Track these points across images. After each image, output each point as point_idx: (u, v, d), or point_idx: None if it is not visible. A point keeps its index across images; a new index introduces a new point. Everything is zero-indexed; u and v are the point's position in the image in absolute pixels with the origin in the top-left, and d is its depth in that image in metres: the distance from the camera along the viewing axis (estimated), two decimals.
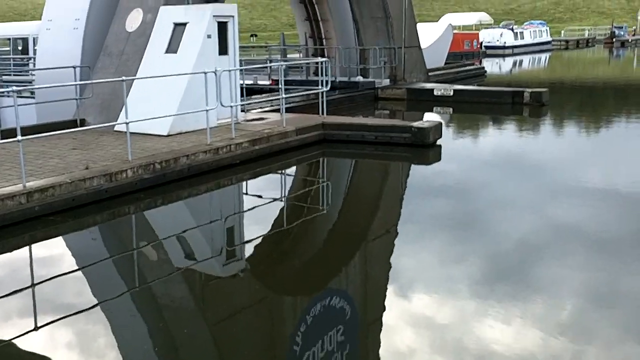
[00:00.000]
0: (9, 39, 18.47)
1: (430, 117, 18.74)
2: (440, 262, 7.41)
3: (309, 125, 13.82)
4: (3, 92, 14.28)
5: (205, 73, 11.48)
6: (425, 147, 13.37)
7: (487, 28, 60.27)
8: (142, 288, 7.06)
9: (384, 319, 6.01)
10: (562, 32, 74.87)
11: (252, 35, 69.82)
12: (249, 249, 8.35)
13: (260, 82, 23.36)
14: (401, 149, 13.45)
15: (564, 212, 9.22)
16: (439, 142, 13.81)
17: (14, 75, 17.68)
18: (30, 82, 15.80)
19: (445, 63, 31.78)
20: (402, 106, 21.19)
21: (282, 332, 5.98)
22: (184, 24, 13.13)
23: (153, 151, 11.04)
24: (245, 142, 12.14)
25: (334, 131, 14.00)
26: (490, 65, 44.34)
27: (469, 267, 7.17)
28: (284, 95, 13.91)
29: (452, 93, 20.81)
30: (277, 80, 22.99)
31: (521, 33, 58.21)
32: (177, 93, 12.48)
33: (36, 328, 5.95)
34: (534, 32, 60.39)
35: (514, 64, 47.03)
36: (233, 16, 13.67)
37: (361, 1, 22.24)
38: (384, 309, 6.26)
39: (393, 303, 6.38)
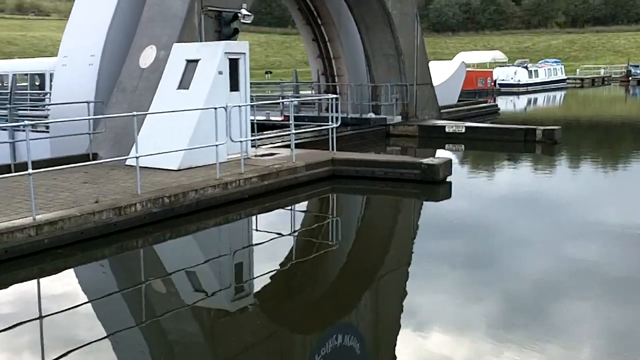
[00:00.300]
0: (27, 75, 18.84)
1: (442, 154, 18.74)
2: (454, 302, 7.29)
3: (319, 161, 13.88)
4: (18, 126, 14.59)
5: (215, 108, 11.62)
6: (435, 184, 13.35)
7: (502, 66, 60.59)
8: (150, 323, 7.04)
9: (397, 356, 5.93)
10: (577, 70, 74.97)
11: (267, 72, 70.67)
12: (258, 285, 8.33)
13: (272, 118, 23.58)
14: (411, 186, 13.45)
15: (576, 251, 9.16)
16: (449, 178, 13.81)
17: (30, 110, 17.98)
18: (46, 117, 16.04)
19: (459, 100, 31.92)
20: (414, 143, 21.23)
21: None
22: (196, 61, 13.36)
23: (163, 185, 11.13)
24: (254, 177, 12.21)
25: (344, 167, 14.05)
26: (505, 103, 44.47)
27: (484, 306, 7.11)
28: (294, 131, 14.02)
29: (464, 130, 20.85)
30: (289, 116, 23.33)
31: (536, 71, 58.42)
32: (187, 128, 12.63)
33: None
34: (549, 70, 60.57)
35: (529, 102, 47.07)
36: (244, 53, 13.89)
37: (373, 39, 22.51)
38: (395, 347, 6.17)
39: (405, 342, 6.29)
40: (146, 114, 12.52)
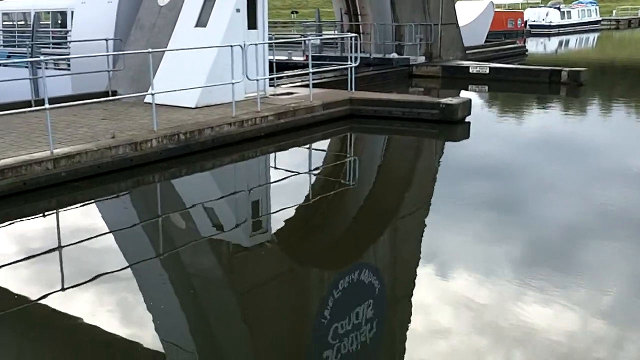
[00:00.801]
0: (49, 13, 18.90)
1: (463, 95, 18.53)
2: (474, 243, 7.21)
3: (336, 100, 13.85)
4: (37, 63, 14.74)
5: (231, 46, 11.60)
6: (453, 124, 13.28)
7: (534, 7, 58.98)
8: (167, 256, 7.09)
9: (414, 296, 5.92)
10: (614, 11, 72.60)
11: (293, 12, 69.69)
12: (274, 221, 8.31)
13: (294, 58, 23.39)
14: (429, 125, 13.39)
15: (596, 193, 9.08)
16: (468, 119, 13.71)
17: (52, 47, 18.09)
18: (68, 55, 16.15)
19: (486, 41, 31.29)
20: (437, 84, 21.00)
21: (310, 304, 5.95)
22: None
23: (179, 122, 11.25)
24: (270, 115, 12.25)
25: (362, 107, 14.01)
26: (535, 45, 43.54)
27: (506, 248, 7.00)
28: (312, 70, 13.95)
29: (488, 71, 20.53)
30: (312, 56, 23.12)
31: (568, 12, 56.80)
32: (204, 66, 12.64)
33: (63, 289, 6.13)
34: (582, 12, 58.83)
35: (560, 43, 45.93)
36: None
37: None
38: (413, 286, 6.16)
39: (423, 281, 6.28)
40: (163, 51, 12.55)
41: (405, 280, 6.51)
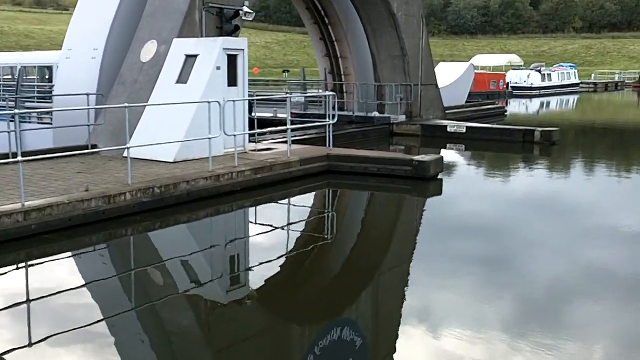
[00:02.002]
0: (35, 67, 19.20)
1: (438, 153, 18.87)
2: (453, 298, 7.24)
3: (313, 156, 14.08)
4: (23, 118, 14.94)
5: (209, 102, 11.85)
6: (425, 180, 13.51)
7: (516, 69, 60.46)
8: (143, 312, 7.00)
9: (397, 353, 5.87)
10: (592, 75, 74.59)
11: (284, 71, 71.06)
12: (252, 277, 8.28)
13: (279, 115, 23.77)
14: (402, 182, 13.60)
15: (569, 250, 9.24)
16: (440, 175, 13.97)
17: (37, 102, 18.30)
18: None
19: (469, 102, 32.00)
20: (417, 142, 21.35)
21: None
22: (195, 56, 13.60)
23: (155, 176, 11.37)
24: (247, 170, 12.42)
25: (338, 162, 14.24)
26: (517, 106, 44.47)
27: (490, 305, 7.06)
28: (290, 127, 14.23)
29: (464, 130, 20.97)
30: (296, 114, 23.55)
31: (549, 75, 58.26)
32: (184, 121, 12.87)
33: (30, 344, 6.03)
34: (562, 74, 60.36)
35: (541, 104, 46.86)
36: (243, 49, 14.11)
37: (379, 39, 22.66)
38: (396, 342, 6.11)
39: (407, 337, 6.22)
40: (140, 105, 12.79)
41: (388, 336, 6.43)
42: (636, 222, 10.82)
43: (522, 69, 60.35)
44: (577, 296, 7.36)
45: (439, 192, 13.46)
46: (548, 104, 47.86)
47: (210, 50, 13.55)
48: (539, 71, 57.32)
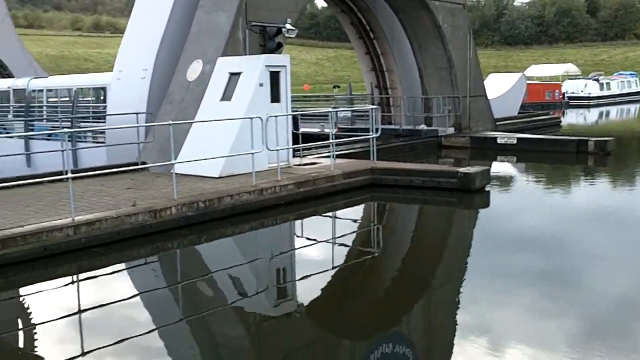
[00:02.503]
0: (90, 89, 19.97)
1: (488, 165, 18.64)
2: (513, 314, 7.02)
3: (357, 170, 14.14)
4: (78, 137, 15.59)
5: (251, 118, 12.09)
6: (471, 193, 13.36)
7: (573, 79, 59.13)
8: (193, 324, 7.06)
9: None
10: None
11: (334, 87, 71.53)
12: (300, 289, 8.29)
13: (326, 130, 23.93)
14: (448, 194, 13.50)
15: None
16: (488, 187, 13.82)
17: (92, 122, 19.01)
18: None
19: (524, 113, 31.49)
20: (466, 155, 21.13)
21: None
22: (239, 74, 13.92)
23: (200, 191, 11.66)
24: (290, 184, 12.58)
25: (382, 176, 14.26)
26: (575, 116, 43.43)
27: (552, 321, 6.78)
28: (333, 141, 14.36)
29: (515, 141, 20.62)
30: (343, 128, 23.68)
31: (607, 84, 56.62)
32: (228, 138, 13.15)
33: (83, 354, 6.24)
34: (622, 83, 58.56)
35: (600, 115, 45.63)
36: (285, 66, 14.35)
37: (425, 52, 22.63)
38: (450, 358, 6.01)
39: (462, 354, 6.03)
40: (185, 123, 13.16)
41: (442, 352, 6.29)
42: None
43: (579, 79, 58.94)
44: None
45: (486, 204, 13.32)
46: (607, 113, 46.53)
47: (253, 67, 13.84)
48: (597, 80, 55.81)
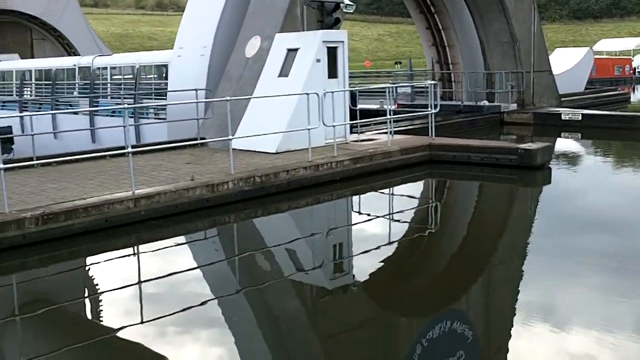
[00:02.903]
0: (152, 66, 20.34)
1: (558, 141, 18.13)
2: (578, 295, 6.85)
3: (415, 146, 13.98)
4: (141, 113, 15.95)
5: (307, 94, 12.08)
6: (532, 170, 13.02)
7: None
8: (250, 296, 7.16)
9: (510, 350, 5.61)
10: None
11: (396, 63, 70.77)
12: (357, 265, 8.29)
13: (385, 107, 23.72)
14: (507, 171, 13.20)
15: None
16: (551, 164, 13.45)
17: (154, 98, 19.39)
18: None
19: (591, 89, 30.44)
20: (529, 131, 20.59)
21: (396, 352, 5.74)
22: (296, 50, 13.89)
23: (257, 166, 11.77)
24: (346, 160, 12.55)
25: (440, 152, 14.05)
26: None
27: (605, 303, 6.58)
28: (391, 117, 14.23)
29: (580, 118, 19.95)
30: (403, 105, 23.42)
31: None
32: (285, 114, 13.19)
33: (142, 322, 6.50)
34: None
35: None
36: (343, 42, 14.23)
37: (487, 26, 22.05)
38: (510, 337, 5.86)
39: (520, 333, 5.92)
40: (242, 98, 13.28)
41: (501, 331, 6.15)
42: None
43: None
44: None
45: (547, 181, 12.97)
46: None
47: (311, 43, 13.78)
48: None
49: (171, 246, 9.27)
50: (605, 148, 18.23)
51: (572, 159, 16.14)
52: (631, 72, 46.79)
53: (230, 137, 11.17)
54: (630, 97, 31.40)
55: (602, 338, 5.70)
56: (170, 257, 8.83)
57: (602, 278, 7.26)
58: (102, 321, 6.65)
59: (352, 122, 14.90)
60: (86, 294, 7.61)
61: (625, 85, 42.85)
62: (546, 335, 5.81)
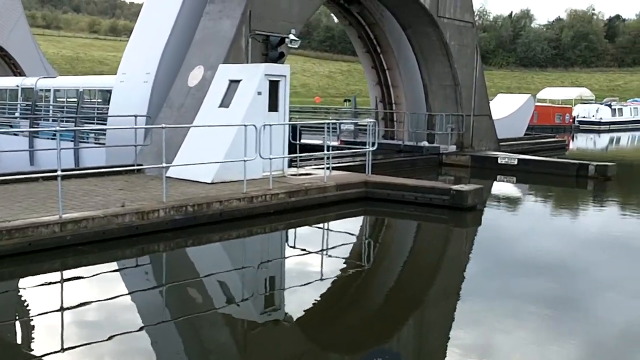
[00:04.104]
0: (95, 91, 20.21)
1: (483, 184, 18.65)
2: (508, 337, 6.92)
3: (351, 182, 14.21)
4: (82, 137, 15.77)
5: (245, 126, 12.21)
6: (464, 210, 13.38)
7: (585, 103, 59.03)
8: (177, 328, 7.01)
9: None
10: None
11: (345, 100, 71.85)
12: (288, 299, 8.25)
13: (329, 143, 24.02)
14: (440, 211, 13.52)
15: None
16: (483, 206, 13.85)
17: (96, 123, 19.23)
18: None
19: (530, 135, 31.49)
20: (466, 173, 21.12)
21: None
22: (238, 81, 14.06)
23: (191, 195, 11.76)
24: (281, 193, 12.66)
25: (376, 189, 14.31)
26: (585, 141, 43.27)
27: (536, 342, 6.69)
28: (329, 153, 14.47)
29: (516, 162, 20.64)
30: (345, 141, 23.80)
31: (620, 109, 56.43)
32: (223, 144, 13.26)
33: (62, 350, 6.29)
34: (635, 110, 58.35)
35: (611, 140, 45.40)
36: (285, 76, 14.47)
37: (431, 69, 22.72)
38: None
39: None
40: (179, 127, 13.35)
41: None
42: None
43: (591, 103, 58.81)
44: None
45: (478, 223, 13.34)
46: (618, 139, 46.32)
47: (253, 75, 13.97)
48: (610, 106, 55.65)
49: (97, 273, 9.12)
50: (537, 192, 18.86)
51: (503, 202, 16.65)
52: (571, 120, 48.68)
53: (164, 164, 11.15)
54: (566, 145, 32.59)
55: None
56: (95, 284, 8.66)
57: (536, 321, 7.37)
58: (20, 347, 6.48)
59: (289, 155, 15.05)
60: (3, 319, 7.41)
61: (564, 133, 44.51)
62: None
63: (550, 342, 6.70)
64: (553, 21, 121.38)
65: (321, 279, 9.20)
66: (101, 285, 8.61)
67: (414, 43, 22.45)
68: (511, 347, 6.62)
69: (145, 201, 11.11)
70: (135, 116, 14.89)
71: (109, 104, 19.09)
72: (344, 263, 10.20)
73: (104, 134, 17.08)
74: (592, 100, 64.07)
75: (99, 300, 7.82)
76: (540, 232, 12.73)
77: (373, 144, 15.09)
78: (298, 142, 16.50)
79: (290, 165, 15.51)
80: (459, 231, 13.15)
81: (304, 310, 7.72)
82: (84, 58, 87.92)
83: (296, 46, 15.89)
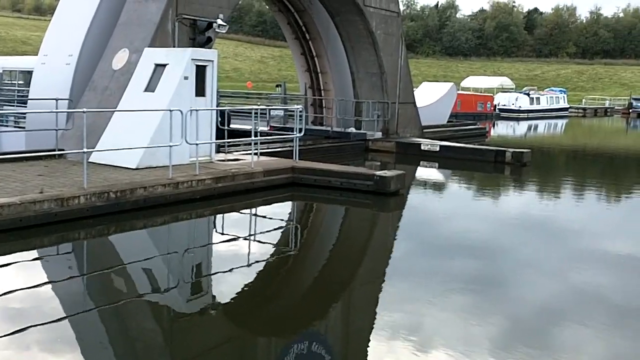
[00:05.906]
0: (16, 72, 19.45)
1: (405, 169, 19.14)
2: (433, 316, 7.13)
3: (278, 168, 14.29)
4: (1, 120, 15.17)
5: (170, 111, 12.07)
6: (387, 195, 13.72)
7: (506, 92, 61.05)
8: (101, 317, 6.89)
9: None
10: (583, 100, 75.34)
11: (277, 85, 71.61)
12: (215, 286, 8.19)
13: (260, 128, 23.99)
14: (364, 196, 13.81)
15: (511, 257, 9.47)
16: (405, 191, 14.23)
17: (16, 105, 18.52)
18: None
19: (453, 122, 32.36)
20: (391, 159, 21.60)
21: None
22: (164, 65, 13.84)
23: (114, 181, 11.55)
24: (208, 179, 12.61)
25: (303, 175, 14.46)
26: (505, 128, 44.83)
27: (462, 321, 6.95)
28: (255, 139, 14.50)
29: (438, 149, 21.26)
30: (275, 127, 23.81)
31: (537, 98, 58.73)
32: (148, 129, 13.07)
33: None
34: (551, 99, 60.86)
35: (529, 128, 47.16)
36: (212, 61, 14.35)
37: (357, 57, 23.00)
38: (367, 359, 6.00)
39: (380, 355, 6.07)
40: (101, 111, 13.07)
41: (360, 353, 6.27)
42: (590, 234, 11.07)
43: (511, 92, 60.89)
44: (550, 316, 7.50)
45: (401, 207, 13.72)
46: (536, 127, 48.21)
47: (179, 60, 13.80)
48: (528, 95, 57.82)
49: (15, 261, 8.86)
50: (458, 177, 19.49)
51: (426, 187, 17.13)
52: (492, 108, 50.24)
53: (86, 150, 10.91)
54: (487, 132, 33.69)
55: (453, 358, 6.00)
56: (13, 273, 8.44)
57: (460, 300, 7.68)
58: None
59: (217, 141, 14.98)
60: None
61: (486, 120, 45.96)
62: (406, 358, 6.01)
63: (475, 319, 7.04)
64: (477, 12, 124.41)
65: (248, 265, 9.23)
66: (20, 274, 8.38)
67: (342, 31, 22.65)
68: (437, 325, 6.87)
69: (65, 187, 10.84)
70: (57, 99, 14.43)
71: (28, 86, 18.46)
72: (272, 248, 10.31)
73: (24, 118, 16.49)
74: (512, 89, 66.32)
75: (18, 290, 7.60)
76: (461, 215, 13.23)
77: (300, 130, 15.22)
78: (227, 127, 16.41)
79: (218, 151, 15.44)
80: (384, 215, 13.49)
81: (231, 297, 7.73)
82: (6, 37, 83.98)
83: (224, 31, 15.77)
